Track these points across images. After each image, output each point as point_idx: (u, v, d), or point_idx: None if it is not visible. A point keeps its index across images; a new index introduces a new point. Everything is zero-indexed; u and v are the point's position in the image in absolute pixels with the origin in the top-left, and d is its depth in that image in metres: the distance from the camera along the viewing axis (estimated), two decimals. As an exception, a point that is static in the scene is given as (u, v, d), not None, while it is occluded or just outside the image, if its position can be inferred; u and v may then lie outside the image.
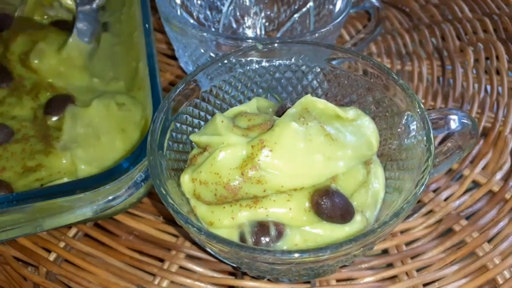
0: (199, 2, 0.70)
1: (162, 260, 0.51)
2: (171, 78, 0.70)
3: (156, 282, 0.49)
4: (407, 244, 0.52)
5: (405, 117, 0.44)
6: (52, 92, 0.56)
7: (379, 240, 0.39)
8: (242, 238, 0.41)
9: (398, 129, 0.45)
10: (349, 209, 0.41)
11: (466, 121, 0.44)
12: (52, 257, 0.51)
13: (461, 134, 0.45)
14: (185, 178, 0.43)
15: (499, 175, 0.55)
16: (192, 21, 0.69)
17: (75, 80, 0.58)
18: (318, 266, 0.41)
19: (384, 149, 0.47)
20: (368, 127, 0.45)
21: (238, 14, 0.73)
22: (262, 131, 0.43)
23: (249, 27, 0.74)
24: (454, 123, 0.44)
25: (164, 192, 0.39)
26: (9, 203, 0.42)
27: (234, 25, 0.73)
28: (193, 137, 0.46)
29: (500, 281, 0.48)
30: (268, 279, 0.48)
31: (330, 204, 0.40)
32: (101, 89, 0.58)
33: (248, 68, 0.50)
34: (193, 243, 0.52)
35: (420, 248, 0.51)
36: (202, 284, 0.49)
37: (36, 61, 0.58)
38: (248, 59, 0.49)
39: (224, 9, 0.72)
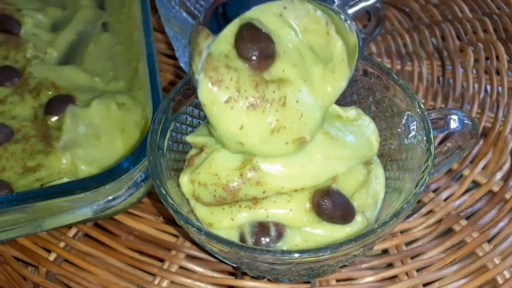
0: (199, 2, 0.70)
1: (162, 260, 0.51)
2: (171, 78, 0.70)
3: (156, 282, 0.49)
4: (407, 244, 0.52)
5: (405, 117, 0.44)
6: (54, 91, 0.56)
7: (379, 240, 0.39)
8: (242, 238, 0.41)
9: (398, 129, 0.45)
10: (349, 209, 0.41)
11: (466, 121, 0.44)
12: (52, 257, 0.51)
13: (461, 134, 0.45)
14: (184, 179, 0.43)
15: (499, 175, 0.55)
16: (192, 21, 0.69)
17: (77, 78, 0.59)
18: (318, 266, 0.41)
19: (384, 149, 0.47)
20: (368, 127, 0.45)
21: (238, 14, 0.73)
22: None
23: (249, 27, 0.74)
24: (454, 123, 0.44)
25: (164, 193, 0.39)
26: (9, 203, 0.42)
27: (234, 25, 0.73)
28: (189, 138, 0.46)
29: (500, 281, 0.48)
30: (268, 279, 0.48)
31: (330, 204, 0.40)
32: (101, 88, 0.58)
33: (248, 68, 0.50)
34: (193, 243, 0.52)
35: (420, 248, 0.51)
36: (202, 284, 0.49)
37: None
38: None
39: (224, 9, 0.72)
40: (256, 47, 0.37)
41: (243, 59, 0.38)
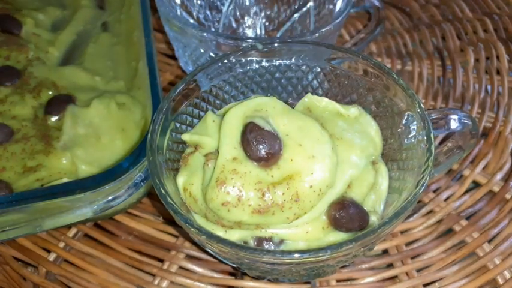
0: (199, 1, 0.70)
1: (162, 260, 0.51)
2: (171, 78, 0.70)
3: (156, 282, 0.49)
4: (408, 244, 0.52)
5: (405, 117, 0.44)
6: (54, 91, 0.56)
7: (379, 240, 0.39)
8: (244, 241, 0.41)
9: (399, 129, 0.45)
10: (365, 217, 0.40)
11: (466, 121, 0.44)
12: (52, 257, 0.51)
13: (461, 134, 0.45)
14: (179, 181, 0.42)
15: (499, 175, 0.55)
16: (192, 21, 0.69)
17: (77, 78, 0.59)
18: (318, 266, 0.41)
19: (385, 149, 0.47)
20: (371, 125, 0.45)
21: (238, 13, 0.73)
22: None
23: (249, 27, 0.74)
24: (454, 123, 0.43)
25: (164, 193, 0.39)
26: (9, 203, 0.42)
27: (234, 25, 0.73)
28: (184, 136, 0.45)
29: (500, 281, 0.48)
30: (268, 280, 0.48)
31: (347, 217, 0.39)
32: (102, 88, 0.58)
33: (248, 67, 0.50)
34: (193, 243, 0.52)
35: (420, 248, 0.51)
36: (202, 284, 0.49)
37: None
38: (248, 58, 0.49)
39: (224, 9, 0.72)
40: (263, 147, 0.38)
41: (252, 160, 0.38)
